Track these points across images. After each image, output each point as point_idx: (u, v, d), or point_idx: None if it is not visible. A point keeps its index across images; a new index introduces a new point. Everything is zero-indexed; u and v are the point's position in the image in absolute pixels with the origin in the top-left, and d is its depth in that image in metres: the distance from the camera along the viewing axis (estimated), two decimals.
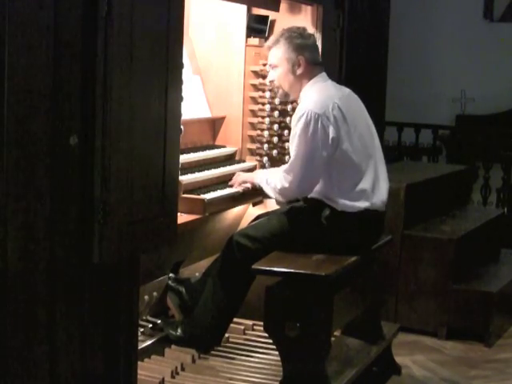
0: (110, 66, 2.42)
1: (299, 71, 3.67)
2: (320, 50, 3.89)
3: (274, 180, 3.61)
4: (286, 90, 3.74)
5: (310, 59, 3.68)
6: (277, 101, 4.21)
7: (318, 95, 3.61)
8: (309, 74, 3.68)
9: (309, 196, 3.63)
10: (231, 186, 3.81)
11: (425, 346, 4.66)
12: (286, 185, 3.55)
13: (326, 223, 3.56)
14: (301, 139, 3.50)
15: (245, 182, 3.82)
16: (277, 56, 3.71)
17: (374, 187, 3.60)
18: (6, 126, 2.19)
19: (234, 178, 3.86)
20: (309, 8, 4.33)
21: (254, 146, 4.23)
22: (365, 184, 3.57)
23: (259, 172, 3.90)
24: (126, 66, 2.48)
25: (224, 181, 3.85)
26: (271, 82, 3.85)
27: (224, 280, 3.67)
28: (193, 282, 3.89)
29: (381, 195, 3.64)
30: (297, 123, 3.51)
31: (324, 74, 3.74)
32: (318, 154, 3.49)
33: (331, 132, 3.48)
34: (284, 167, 3.62)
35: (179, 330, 3.75)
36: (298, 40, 3.67)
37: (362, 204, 3.55)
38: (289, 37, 3.68)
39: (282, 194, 3.62)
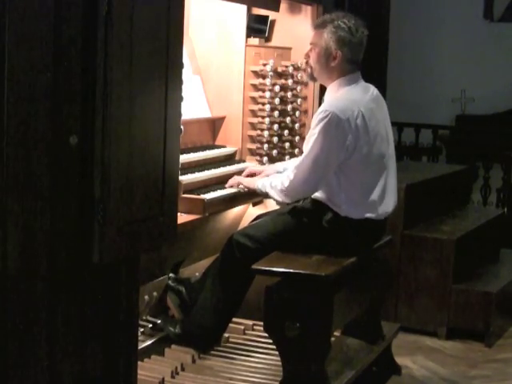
0: (109, 66, 2.42)
1: (333, 64, 3.58)
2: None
3: (281, 179, 3.55)
4: (315, 74, 3.67)
5: (347, 56, 3.58)
6: (277, 101, 4.22)
7: (344, 98, 3.53)
8: (341, 71, 3.59)
9: (313, 196, 3.61)
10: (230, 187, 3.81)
11: (425, 346, 4.66)
12: (292, 177, 3.49)
13: (327, 226, 3.55)
14: (318, 140, 3.44)
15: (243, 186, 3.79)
16: (319, 38, 3.61)
17: (381, 199, 3.57)
18: (6, 126, 2.19)
19: (231, 180, 3.83)
20: (309, 8, 4.33)
21: (254, 146, 4.23)
22: (373, 196, 3.54)
23: (260, 179, 3.81)
24: (126, 65, 2.48)
25: (224, 181, 3.85)
26: (306, 56, 3.72)
27: (223, 279, 3.67)
28: (193, 282, 3.89)
29: (386, 207, 3.62)
30: (318, 123, 3.44)
31: (357, 75, 3.63)
32: (331, 159, 3.45)
33: (349, 139, 3.43)
34: (295, 163, 3.56)
35: (178, 328, 3.75)
36: (343, 33, 3.56)
37: (367, 214, 3.54)
38: (336, 26, 3.56)
39: (289, 190, 3.53)
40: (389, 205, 3.63)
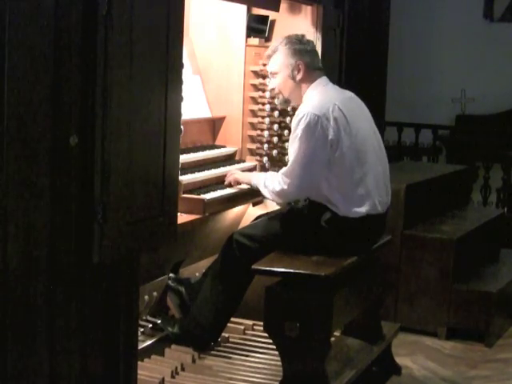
0: (109, 66, 2.42)
1: (299, 76, 3.68)
2: (320, 51, 3.89)
3: (273, 183, 3.60)
4: (287, 97, 3.76)
5: (309, 64, 3.69)
6: (277, 101, 4.21)
7: (318, 98, 3.61)
8: (309, 79, 3.69)
9: (312, 198, 3.63)
10: (229, 186, 3.81)
11: (425, 346, 4.66)
12: (285, 187, 3.55)
13: (326, 226, 3.56)
14: (300, 142, 3.50)
15: (239, 182, 3.81)
16: (276, 63, 3.73)
17: (375, 190, 3.59)
18: (7, 126, 2.19)
19: (229, 174, 3.85)
20: (309, 8, 4.33)
21: (254, 146, 4.23)
22: (365, 187, 3.56)
23: (256, 174, 3.88)
24: (125, 65, 2.48)
25: (224, 181, 3.85)
26: (272, 89, 3.86)
27: (223, 278, 3.67)
28: (193, 282, 3.90)
29: (382, 198, 3.63)
30: (297, 126, 3.51)
31: (325, 78, 3.73)
32: (317, 157, 3.49)
33: (330, 134, 3.48)
34: (282, 170, 3.62)
35: (177, 328, 3.75)
36: (296, 45, 3.69)
37: (364, 208, 3.54)
38: (287, 43, 3.70)
39: (281, 196, 3.62)
40: (383, 195, 3.65)
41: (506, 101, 10.45)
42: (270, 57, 3.77)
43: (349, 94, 3.76)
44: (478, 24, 10.74)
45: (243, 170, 4.00)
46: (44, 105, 2.30)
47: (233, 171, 3.87)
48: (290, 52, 3.68)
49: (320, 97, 3.62)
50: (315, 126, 3.47)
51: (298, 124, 3.51)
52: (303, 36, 3.78)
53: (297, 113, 3.58)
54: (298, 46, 3.70)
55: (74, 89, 2.40)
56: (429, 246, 4.83)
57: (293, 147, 3.54)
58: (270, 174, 3.78)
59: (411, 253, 4.87)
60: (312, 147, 3.49)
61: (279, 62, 3.71)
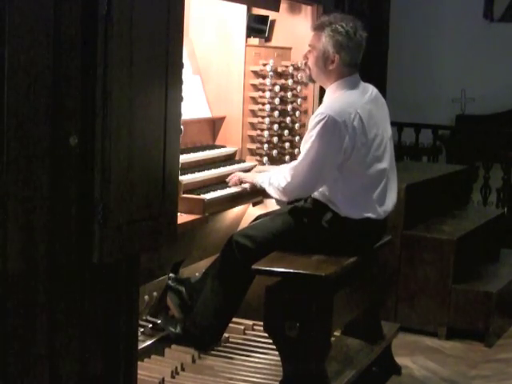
0: (109, 66, 2.42)
1: (331, 67, 3.60)
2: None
3: (278, 179, 3.57)
4: (314, 77, 3.69)
5: (345, 60, 3.58)
6: (277, 101, 4.22)
7: (341, 101, 3.54)
8: (339, 74, 3.60)
9: (313, 196, 3.62)
10: (233, 185, 3.81)
11: (425, 345, 4.66)
12: (289, 179, 3.51)
13: (327, 226, 3.55)
14: (315, 143, 3.45)
15: (243, 182, 3.81)
16: (317, 40, 3.62)
17: (381, 200, 3.58)
18: (6, 126, 2.19)
19: (231, 176, 3.85)
20: (309, 8, 4.33)
21: (254, 146, 4.23)
22: (372, 197, 3.55)
23: (260, 173, 3.87)
24: (125, 65, 2.48)
25: (224, 181, 3.85)
26: (304, 57, 3.72)
27: (223, 279, 3.67)
28: (193, 282, 3.90)
29: (386, 207, 3.62)
30: (315, 126, 3.45)
31: (356, 77, 3.64)
32: (329, 162, 3.46)
33: (346, 141, 3.43)
34: (291, 164, 3.58)
35: (178, 328, 3.75)
36: (340, 37, 3.57)
37: (366, 214, 3.54)
38: (334, 30, 3.57)
39: (285, 192, 3.58)
40: (388, 205, 3.63)
41: (506, 101, 10.46)
42: (315, 30, 3.66)
43: (372, 92, 3.66)
44: (478, 24, 10.76)
45: (243, 170, 4.00)
46: (44, 105, 2.30)
47: (236, 173, 3.87)
48: (332, 41, 3.56)
49: (344, 100, 3.54)
50: (333, 132, 3.42)
51: (315, 125, 3.45)
52: (354, 27, 3.59)
53: (316, 112, 3.51)
54: (343, 38, 3.56)
55: (74, 89, 2.40)
56: (429, 246, 4.83)
57: (306, 145, 3.49)
58: (275, 170, 3.76)
59: (411, 253, 4.87)
60: (325, 151, 3.45)
61: (320, 42, 3.59)
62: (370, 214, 3.54)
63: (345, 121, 3.44)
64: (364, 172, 3.52)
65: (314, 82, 3.82)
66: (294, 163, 3.56)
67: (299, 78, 4.33)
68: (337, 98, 3.58)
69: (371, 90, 3.69)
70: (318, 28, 3.64)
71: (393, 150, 3.72)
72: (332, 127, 3.42)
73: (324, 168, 3.47)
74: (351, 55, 3.60)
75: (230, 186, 3.82)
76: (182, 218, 3.33)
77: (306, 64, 3.73)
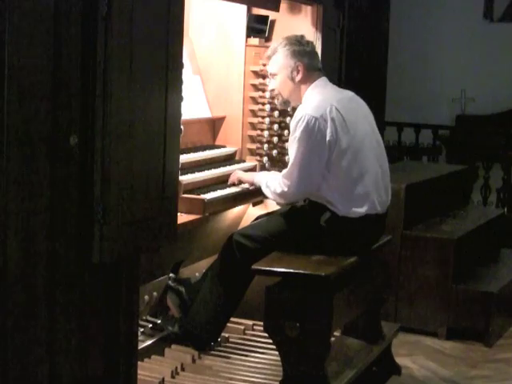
0: (109, 66, 2.42)
1: (298, 77, 3.69)
2: (320, 51, 3.88)
3: (274, 184, 3.62)
4: (286, 98, 3.77)
5: (308, 65, 3.69)
6: (277, 102, 4.21)
7: (316, 99, 3.62)
8: (308, 80, 3.70)
9: (312, 199, 3.64)
10: (233, 185, 3.82)
11: (425, 346, 4.66)
12: (285, 189, 3.57)
13: (326, 226, 3.56)
14: (299, 144, 3.51)
15: (242, 181, 3.83)
16: (276, 64, 3.73)
17: (373, 189, 3.59)
18: (7, 126, 2.19)
19: (232, 175, 3.87)
20: (309, 8, 4.32)
21: (254, 146, 4.23)
22: (364, 186, 3.56)
23: (259, 173, 3.91)
24: (125, 65, 2.48)
25: (224, 181, 3.86)
26: (272, 90, 3.88)
27: (223, 279, 3.67)
28: (193, 282, 3.90)
29: (381, 197, 3.64)
30: (295, 128, 3.53)
31: (324, 79, 3.74)
32: (316, 159, 3.50)
33: (328, 135, 3.49)
34: (283, 172, 3.62)
35: (177, 328, 3.76)
36: (295, 47, 3.69)
37: (363, 208, 3.55)
38: (287, 44, 3.71)
39: (281, 197, 3.65)
40: (382, 194, 3.65)
41: (506, 101, 10.46)
42: (269, 58, 3.78)
43: (348, 93, 3.76)
44: (477, 24, 10.76)
45: (243, 170, 4.00)
46: (44, 105, 2.30)
47: (236, 171, 3.89)
48: (289, 53, 3.69)
49: (318, 98, 3.63)
50: (313, 128, 3.48)
51: (296, 126, 3.53)
52: (302, 37, 3.79)
53: (295, 115, 3.59)
54: (297, 47, 3.70)
55: (74, 89, 2.40)
56: (429, 246, 4.83)
57: (292, 149, 3.56)
58: (272, 174, 3.80)
59: (411, 253, 4.87)
60: (310, 149, 3.50)
61: (278, 63, 3.72)
62: (367, 208, 3.54)
63: (322, 115, 3.50)
64: (351, 165, 3.54)
65: (289, 104, 3.88)
66: (286, 170, 3.60)
67: (278, 107, 4.24)
68: (312, 97, 3.65)
69: (348, 91, 3.78)
70: (271, 53, 3.76)
71: (382, 143, 3.77)
72: (312, 125, 3.48)
73: (313, 166, 3.50)
74: (311, 59, 3.72)
75: (230, 186, 3.83)
76: (182, 217, 3.33)
77: (275, 92, 3.84)
